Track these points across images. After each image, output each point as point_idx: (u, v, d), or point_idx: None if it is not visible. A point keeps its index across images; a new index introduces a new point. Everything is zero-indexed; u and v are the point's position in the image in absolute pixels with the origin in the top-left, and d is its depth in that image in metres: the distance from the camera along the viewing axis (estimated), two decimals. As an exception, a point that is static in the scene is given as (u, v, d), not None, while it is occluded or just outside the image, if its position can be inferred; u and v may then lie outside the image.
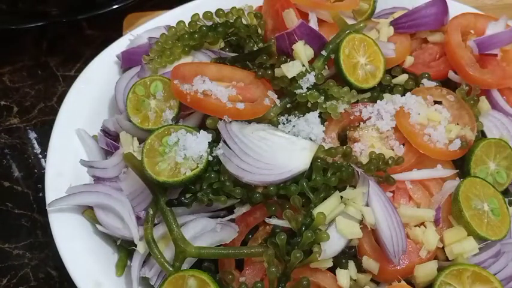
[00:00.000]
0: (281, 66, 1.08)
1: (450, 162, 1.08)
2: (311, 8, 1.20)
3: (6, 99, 1.53)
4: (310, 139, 1.03)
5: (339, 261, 0.96)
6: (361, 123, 1.09)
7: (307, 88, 1.06)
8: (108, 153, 1.18)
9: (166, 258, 0.98)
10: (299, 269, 0.94)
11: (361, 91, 1.12)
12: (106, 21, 1.58)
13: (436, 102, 1.11)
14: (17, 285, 1.23)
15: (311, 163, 0.98)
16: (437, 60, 1.23)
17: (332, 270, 0.96)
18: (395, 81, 1.16)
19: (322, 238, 0.92)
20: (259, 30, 1.24)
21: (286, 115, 1.07)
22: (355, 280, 0.97)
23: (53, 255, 1.25)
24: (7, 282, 1.23)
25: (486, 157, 1.08)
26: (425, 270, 0.96)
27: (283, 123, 1.06)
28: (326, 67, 1.13)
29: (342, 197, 0.97)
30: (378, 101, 1.10)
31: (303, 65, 1.09)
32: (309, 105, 1.07)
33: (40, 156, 1.42)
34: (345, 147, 1.04)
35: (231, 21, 1.20)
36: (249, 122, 1.06)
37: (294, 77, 1.07)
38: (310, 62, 1.11)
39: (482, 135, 1.13)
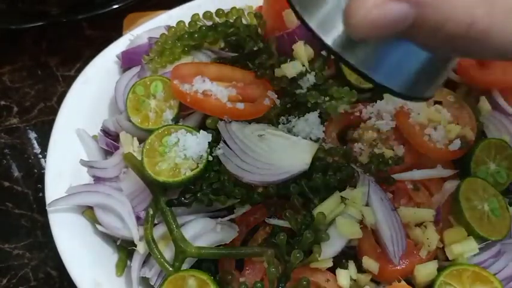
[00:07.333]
0: (281, 66, 1.08)
1: (450, 162, 1.08)
2: (311, 8, 1.20)
3: (6, 99, 1.53)
4: (310, 139, 1.03)
5: (339, 261, 0.96)
6: (361, 123, 1.09)
7: (307, 88, 1.06)
8: (108, 153, 1.18)
9: (166, 258, 0.98)
10: (299, 269, 0.94)
11: (361, 91, 1.11)
12: (106, 21, 1.57)
13: (436, 102, 1.11)
14: (16, 285, 1.23)
15: (311, 163, 0.98)
16: (437, 60, 1.23)
17: (332, 270, 0.96)
18: (395, 81, 1.16)
19: (322, 238, 0.92)
20: (259, 30, 1.23)
21: (286, 115, 1.07)
22: (355, 280, 0.97)
23: (53, 255, 1.25)
24: (7, 282, 1.23)
25: (486, 157, 1.08)
26: (426, 270, 0.96)
27: (283, 123, 1.06)
28: (326, 67, 1.13)
29: (342, 197, 0.97)
30: (378, 101, 1.09)
31: (303, 65, 1.08)
32: (309, 105, 1.07)
33: (40, 156, 1.42)
34: (345, 147, 1.04)
35: (231, 21, 1.20)
36: (249, 122, 1.05)
37: (294, 77, 1.07)
38: (311, 62, 1.11)
39: (482, 135, 1.13)
